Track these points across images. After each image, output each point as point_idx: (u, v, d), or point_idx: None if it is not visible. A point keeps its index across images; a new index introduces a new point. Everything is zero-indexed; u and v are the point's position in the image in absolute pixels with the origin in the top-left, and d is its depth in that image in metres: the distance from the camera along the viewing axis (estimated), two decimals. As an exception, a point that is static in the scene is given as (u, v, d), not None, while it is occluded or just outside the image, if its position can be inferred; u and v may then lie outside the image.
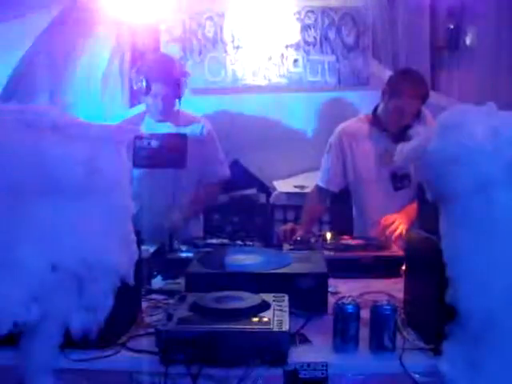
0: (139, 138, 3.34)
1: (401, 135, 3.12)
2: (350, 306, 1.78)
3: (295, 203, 4.59)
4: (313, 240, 2.96)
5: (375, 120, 3.37)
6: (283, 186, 5.13)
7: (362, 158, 3.43)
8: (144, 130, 3.42)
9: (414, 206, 3.11)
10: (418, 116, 3.19)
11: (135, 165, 3.31)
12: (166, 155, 3.38)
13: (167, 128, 3.43)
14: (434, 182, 1.74)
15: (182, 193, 3.43)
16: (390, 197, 3.36)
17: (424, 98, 3.19)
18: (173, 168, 3.38)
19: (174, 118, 3.47)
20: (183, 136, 3.40)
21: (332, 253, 2.77)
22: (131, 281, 1.83)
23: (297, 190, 4.81)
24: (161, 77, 3.31)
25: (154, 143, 3.37)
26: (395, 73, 3.36)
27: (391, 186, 3.36)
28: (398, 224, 3.01)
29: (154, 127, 3.40)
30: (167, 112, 3.42)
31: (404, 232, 2.94)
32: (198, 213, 3.67)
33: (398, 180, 3.34)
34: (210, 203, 3.78)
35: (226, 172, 3.62)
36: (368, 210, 3.47)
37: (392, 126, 3.26)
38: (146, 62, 3.46)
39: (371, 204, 3.45)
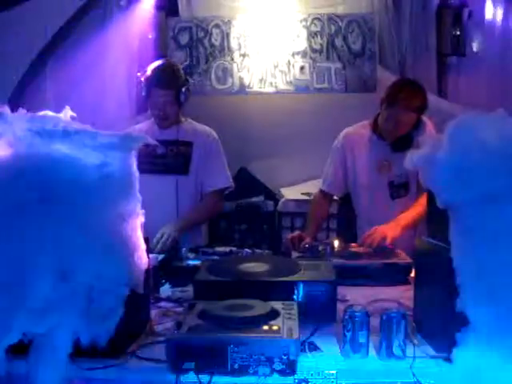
0: (145, 144, 3.35)
1: (399, 144, 3.12)
2: (359, 314, 1.77)
3: (303, 210, 4.58)
4: (321, 248, 2.94)
5: (375, 128, 3.37)
6: (291, 193, 5.15)
7: (361, 164, 3.44)
8: (150, 136, 3.41)
9: (406, 214, 3.15)
10: (417, 126, 3.18)
11: (139, 171, 3.35)
12: (170, 162, 3.40)
13: (172, 135, 3.43)
14: (443, 190, 1.74)
15: (185, 200, 3.43)
16: (387, 205, 3.36)
17: (421, 110, 3.18)
18: (176, 175, 3.39)
19: (178, 125, 3.46)
20: (188, 144, 3.41)
21: (340, 260, 2.77)
22: (141, 289, 1.84)
23: (304, 197, 4.81)
24: (159, 84, 3.30)
25: (159, 150, 3.38)
26: (393, 82, 3.35)
27: (388, 194, 3.36)
28: (377, 235, 2.99)
29: (159, 134, 3.40)
30: (168, 119, 3.42)
31: (389, 240, 2.95)
32: (200, 222, 3.60)
33: (395, 189, 3.35)
34: (213, 214, 3.73)
35: (229, 183, 3.56)
36: (366, 216, 3.48)
37: (388, 135, 3.27)
38: (149, 68, 3.46)
39: (369, 211, 3.45)
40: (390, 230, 3.00)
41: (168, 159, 3.42)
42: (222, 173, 3.52)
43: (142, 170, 3.22)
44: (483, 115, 1.74)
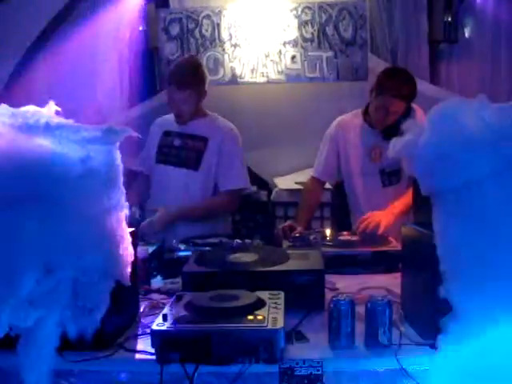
0: (167, 134, 3.49)
1: (390, 132, 3.13)
2: (344, 303, 1.77)
3: (296, 200, 4.59)
4: (312, 237, 2.95)
5: (366, 116, 3.38)
6: (284, 182, 5.14)
7: (353, 152, 3.46)
8: (168, 128, 3.51)
9: (399, 202, 3.16)
10: (406, 114, 3.18)
11: (157, 160, 3.49)
12: (183, 155, 3.41)
13: (189, 129, 3.46)
14: (426, 176, 1.74)
15: (195, 196, 3.42)
16: (378, 192, 3.39)
17: (410, 98, 3.18)
18: (187, 169, 3.40)
19: (198, 120, 3.47)
20: (203, 139, 3.41)
21: (331, 249, 2.78)
22: (127, 282, 1.84)
23: (298, 187, 4.81)
24: (176, 83, 3.32)
25: (177, 142, 3.41)
26: (383, 71, 3.35)
27: (380, 181, 3.38)
28: (371, 220, 3.03)
29: (178, 126, 3.47)
30: (183, 116, 3.43)
31: (382, 228, 2.98)
32: (200, 216, 3.43)
33: (386, 176, 3.37)
34: (223, 211, 3.60)
35: (242, 182, 3.48)
36: (358, 204, 3.50)
37: (378, 124, 3.28)
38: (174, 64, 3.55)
39: (361, 199, 3.48)
40: (384, 218, 3.02)
41: (181, 152, 3.42)
42: (238, 173, 3.46)
43: (159, 160, 3.45)
44: (465, 101, 1.74)
